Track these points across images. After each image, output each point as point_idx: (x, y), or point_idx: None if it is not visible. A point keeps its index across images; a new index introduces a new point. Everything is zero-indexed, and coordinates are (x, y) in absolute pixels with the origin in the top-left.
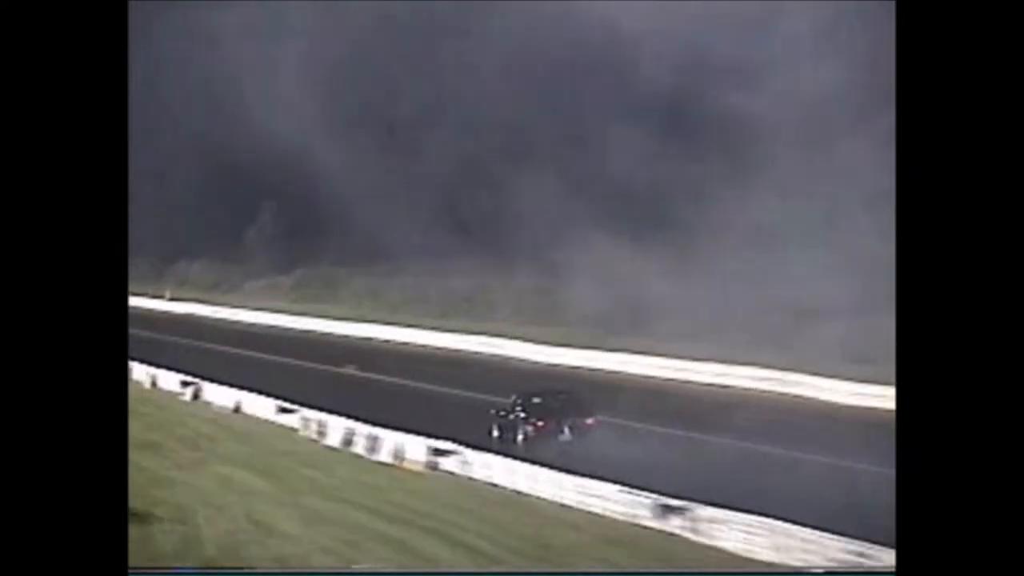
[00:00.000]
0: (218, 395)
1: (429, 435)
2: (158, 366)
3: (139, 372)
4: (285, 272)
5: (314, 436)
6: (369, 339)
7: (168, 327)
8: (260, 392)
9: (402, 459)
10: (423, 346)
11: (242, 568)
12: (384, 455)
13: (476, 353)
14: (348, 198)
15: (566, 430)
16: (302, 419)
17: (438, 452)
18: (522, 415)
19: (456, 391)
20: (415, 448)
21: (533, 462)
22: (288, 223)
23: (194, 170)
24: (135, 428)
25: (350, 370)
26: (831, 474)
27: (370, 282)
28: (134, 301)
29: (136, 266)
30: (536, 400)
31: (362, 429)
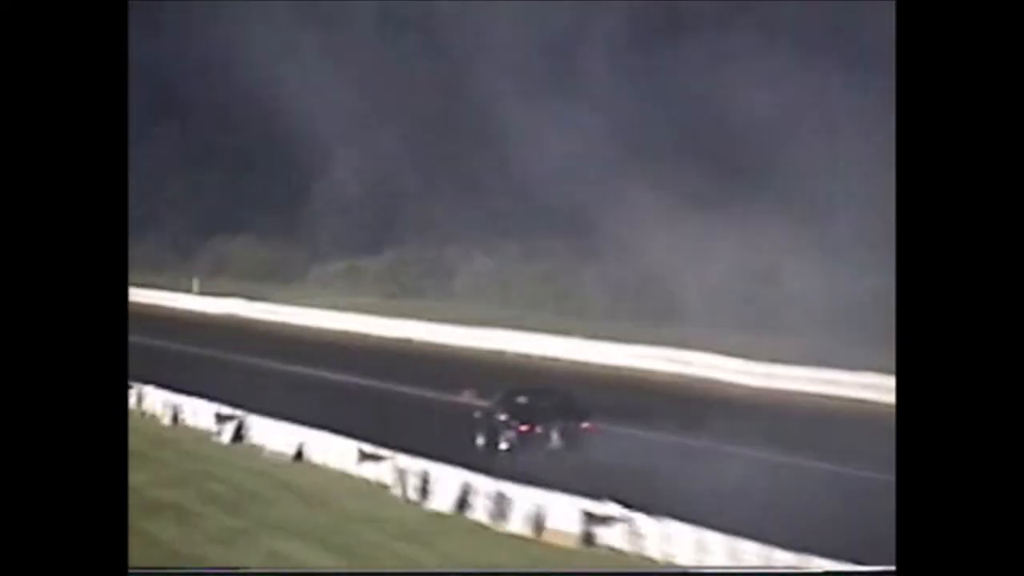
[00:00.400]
0: (272, 435)
1: (583, 494)
2: (183, 392)
3: (155, 401)
4: (370, 253)
5: (413, 495)
6: (499, 352)
7: (198, 335)
8: (334, 431)
9: (543, 528)
10: (581, 363)
11: (241, 568)
12: (517, 522)
13: (652, 373)
14: (457, 142)
15: (554, 436)
16: (396, 470)
17: (596, 519)
18: (504, 418)
19: (628, 430)
20: (563, 512)
21: (732, 533)
22: (373, 180)
23: (229, 106)
24: (148, 482)
25: (467, 398)
26: None
27: (496, 267)
28: (146, 296)
29: (148, 246)
30: (521, 400)
31: (485, 485)
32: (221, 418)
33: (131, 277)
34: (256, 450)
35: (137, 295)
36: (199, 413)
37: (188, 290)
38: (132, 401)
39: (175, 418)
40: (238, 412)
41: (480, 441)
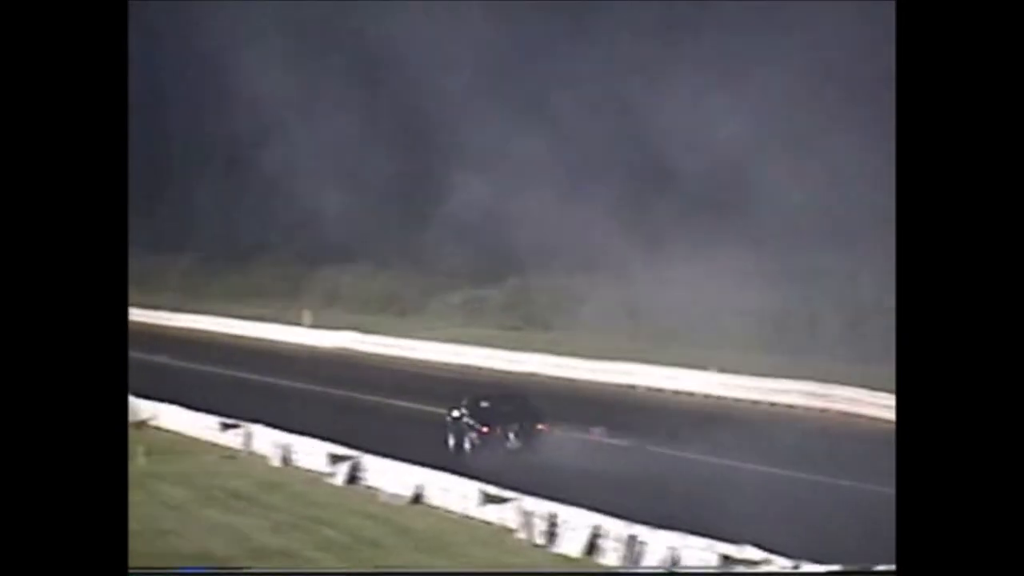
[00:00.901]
0: (388, 476)
1: (721, 538)
2: (294, 432)
3: (264, 441)
4: (492, 282)
5: (540, 539)
6: (629, 387)
7: (309, 370)
8: (454, 472)
9: (677, 571)
10: (715, 398)
11: (242, 568)
12: (650, 565)
13: (792, 407)
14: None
15: (511, 436)
16: (521, 512)
17: (733, 562)
18: (468, 421)
19: (784, 471)
20: (699, 555)
21: None
22: (494, 204)
23: (348, 122)
24: (257, 527)
25: (597, 436)
26: None
27: (625, 297)
28: (254, 329)
29: (255, 276)
30: (484, 404)
31: (615, 528)
32: (334, 459)
33: (237, 308)
34: (371, 493)
35: (244, 328)
36: (311, 454)
37: (298, 323)
38: (240, 442)
39: (285, 459)
40: (352, 452)
41: (451, 442)
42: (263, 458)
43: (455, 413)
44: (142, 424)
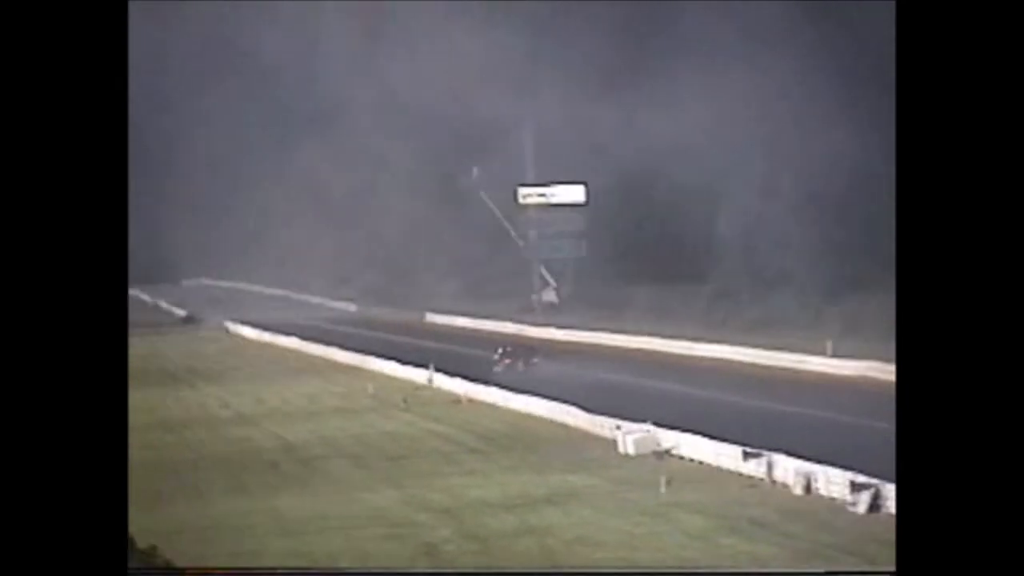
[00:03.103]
0: None
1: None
2: (815, 460)
3: (786, 469)
4: None
5: None
6: None
7: (828, 397)
8: None
9: None
10: None
11: (242, 568)
12: None
13: None
14: None
15: (519, 364)
16: None
17: None
18: (500, 356)
19: None
20: None
21: None
22: None
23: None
24: (777, 556)
25: None
26: None
27: None
28: (772, 358)
29: (773, 304)
30: (509, 348)
31: None
32: (856, 487)
33: (755, 338)
34: (893, 520)
35: (761, 356)
36: (833, 482)
37: (821, 352)
38: (763, 470)
39: (807, 487)
40: (874, 480)
41: (493, 368)
42: (785, 487)
43: (498, 352)
44: (665, 453)
